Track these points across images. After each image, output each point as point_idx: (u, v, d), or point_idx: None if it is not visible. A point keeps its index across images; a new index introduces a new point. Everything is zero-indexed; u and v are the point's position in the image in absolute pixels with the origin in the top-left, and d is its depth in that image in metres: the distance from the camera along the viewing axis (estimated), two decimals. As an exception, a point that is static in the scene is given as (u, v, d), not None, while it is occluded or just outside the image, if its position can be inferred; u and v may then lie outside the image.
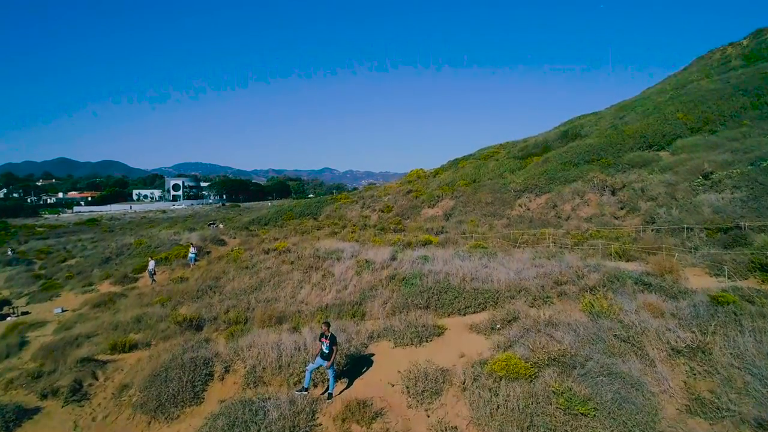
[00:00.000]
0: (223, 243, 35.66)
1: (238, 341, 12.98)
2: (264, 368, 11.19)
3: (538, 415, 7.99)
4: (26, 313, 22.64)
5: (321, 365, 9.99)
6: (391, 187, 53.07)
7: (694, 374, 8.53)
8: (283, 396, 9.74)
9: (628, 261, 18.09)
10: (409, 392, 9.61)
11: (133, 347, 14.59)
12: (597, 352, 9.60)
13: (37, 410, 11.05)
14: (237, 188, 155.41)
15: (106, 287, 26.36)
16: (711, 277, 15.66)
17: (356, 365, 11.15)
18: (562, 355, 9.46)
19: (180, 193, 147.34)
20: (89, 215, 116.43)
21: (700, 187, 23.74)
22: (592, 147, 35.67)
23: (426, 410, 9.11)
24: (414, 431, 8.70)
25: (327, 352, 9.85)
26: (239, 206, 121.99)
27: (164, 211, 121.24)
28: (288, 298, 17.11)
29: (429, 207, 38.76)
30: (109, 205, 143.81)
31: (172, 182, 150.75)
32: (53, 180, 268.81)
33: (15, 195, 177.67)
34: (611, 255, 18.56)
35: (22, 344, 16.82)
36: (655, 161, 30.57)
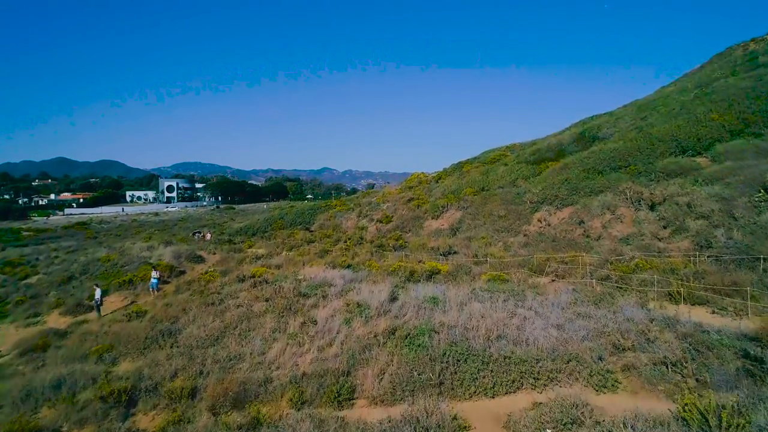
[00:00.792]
0: (200, 260, 31.56)
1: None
2: None
3: None
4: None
5: None
6: (390, 193, 48.96)
7: None
8: None
9: (694, 305, 14.01)
10: None
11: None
12: None
13: None
14: (232, 190, 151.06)
15: (54, 318, 22.25)
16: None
17: None
18: None
19: (174, 194, 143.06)
20: (79, 218, 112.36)
21: (763, 203, 19.66)
22: (618, 152, 31.56)
23: None
24: None
25: None
26: (234, 209, 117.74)
27: (157, 214, 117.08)
28: (255, 356, 13.02)
29: (433, 218, 34.65)
30: (100, 207, 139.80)
31: (167, 183, 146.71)
32: (49, 180, 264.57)
33: (6, 196, 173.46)
34: (672, 295, 14.48)
35: None
36: (695, 169, 26.47)
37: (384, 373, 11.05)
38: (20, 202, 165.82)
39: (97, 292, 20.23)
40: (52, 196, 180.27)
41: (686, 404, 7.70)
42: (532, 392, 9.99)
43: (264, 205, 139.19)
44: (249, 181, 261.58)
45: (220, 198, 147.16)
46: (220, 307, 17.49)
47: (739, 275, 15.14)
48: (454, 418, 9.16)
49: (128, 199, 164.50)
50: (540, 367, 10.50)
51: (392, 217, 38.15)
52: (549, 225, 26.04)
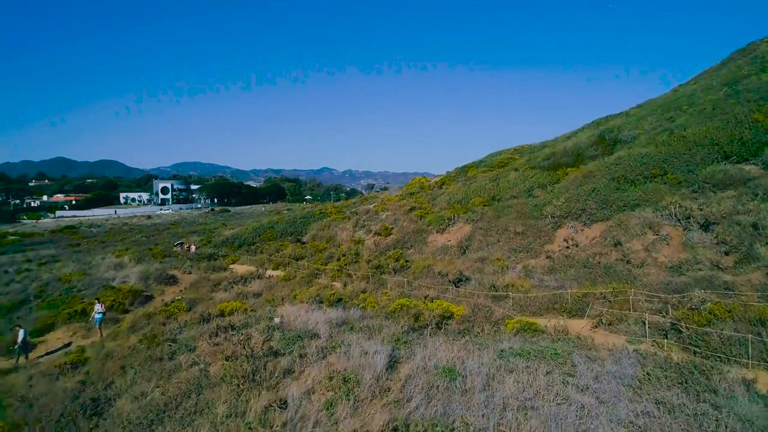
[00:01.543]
0: (172, 281, 27.59)
1: None
2: None
3: None
4: None
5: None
6: (390, 201, 44.96)
7: None
8: None
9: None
10: None
11: None
12: None
13: None
14: (228, 191, 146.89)
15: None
16: None
17: None
18: None
19: (169, 196, 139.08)
20: (69, 221, 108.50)
21: None
22: (650, 158, 27.57)
23: None
24: None
25: None
26: (229, 211, 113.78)
27: (149, 217, 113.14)
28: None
29: (438, 232, 30.65)
30: (92, 210, 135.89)
31: (161, 185, 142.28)
32: (46, 180, 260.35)
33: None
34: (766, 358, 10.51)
35: None
36: (748, 179, 22.50)
37: None
38: (12, 203, 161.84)
39: (20, 335, 16.27)
40: (45, 198, 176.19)
41: None
42: None
43: (262, 207, 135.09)
44: (246, 182, 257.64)
45: (215, 200, 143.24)
46: (170, 363, 13.52)
47: None
48: None
49: (122, 201, 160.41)
50: None
51: (392, 229, 34.15)
52: (577, 245, 22.06)
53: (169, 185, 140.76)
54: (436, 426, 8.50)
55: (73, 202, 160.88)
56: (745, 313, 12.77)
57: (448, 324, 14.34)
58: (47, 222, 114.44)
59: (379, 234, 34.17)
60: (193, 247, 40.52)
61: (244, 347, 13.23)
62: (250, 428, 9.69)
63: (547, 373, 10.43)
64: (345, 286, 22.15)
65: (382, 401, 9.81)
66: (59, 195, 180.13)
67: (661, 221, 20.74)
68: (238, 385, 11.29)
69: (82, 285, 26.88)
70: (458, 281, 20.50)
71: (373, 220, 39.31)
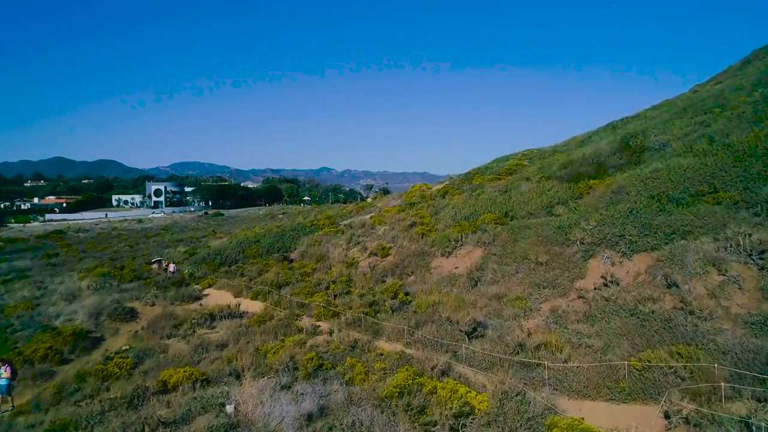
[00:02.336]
0: (130, 317, 23.38)
1: None
2: None
3: None
4: None
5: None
6: (388, 213, 40.77)
7: None
8: None
9: None
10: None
11: None
12: None
13: None
14: (223, 194, 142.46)
15: None
16: None
17: None
18: None
19: (162, 198, 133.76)
20: (58, 225, 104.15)
21: None
22: (695, 171, 23.37)
23: None
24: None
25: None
26: (223, 215, 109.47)
27: (140, 221, 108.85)
28: None
29: (443, 255, 26.45)
30: (82, 213, 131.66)
31: (154, 187, 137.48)
32: (42, 181, 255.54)
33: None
34: None
35: None
36: (826, 201, 18.27)
37: None
38: (2, 205, 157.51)
39: None
40: (36, 200, 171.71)
41: None
42: None
43: (258, 210, 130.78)
44: (242, 184, 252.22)
45: (210, 202, 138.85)
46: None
47: None
48: None
49: (114, 203, 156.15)
50: None
51: (390, 249, 29.94)
52: (617, 283, 17.85)
53: (162, 187, 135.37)
54: None
55: (65, 204, 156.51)
56: None
57: (467, 425, 10.11)
58: (35, 226, 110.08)
59: (376, 254, 29.98)
60: (172, 266, 36.26)
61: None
62: None
63: None
64: (331, 333, 17.93)
65: None
66: (51, 197, 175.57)
67: (727, 256, 16.53)
68: None
69: (22, 322, 22.66)
70: (473, 332, 16.29)
71: (370, 235, 35.15)
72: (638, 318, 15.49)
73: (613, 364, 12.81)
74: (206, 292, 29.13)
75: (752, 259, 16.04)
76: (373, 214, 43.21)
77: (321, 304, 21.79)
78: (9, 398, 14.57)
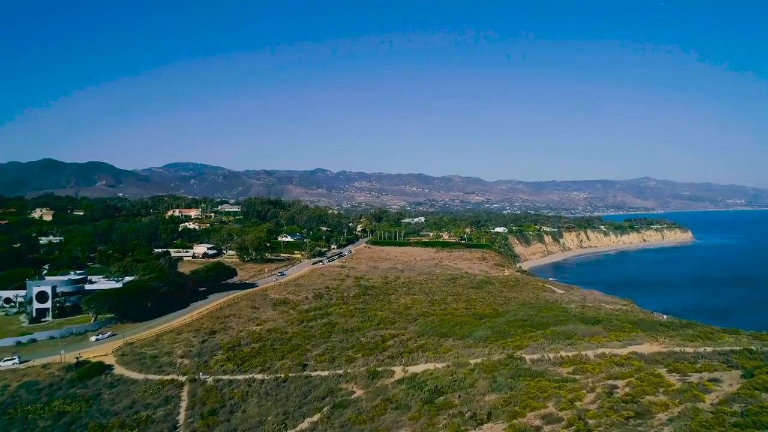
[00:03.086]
0: None
1: None
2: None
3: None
4: None
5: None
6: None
7: None
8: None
9: None
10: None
11: None
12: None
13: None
14: (141, 293, 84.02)
15: None
16: None
17: None
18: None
19: (49, 305, 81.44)
20: None
21: None
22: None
23: None
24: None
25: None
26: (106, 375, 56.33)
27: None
28: None
29: None
30: None
31: (36, 290, 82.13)
32: None
33: None
34: None
35: None
36: None
37: None
38: None
39: None
40: None
41: None
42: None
43: (188, 316, 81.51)
44: (190, 224, 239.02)
45: (117, 313, 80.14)
46: None
47: None
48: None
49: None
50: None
51: None
52: None
53: (48, 289, 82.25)
54: None
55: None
56: None
57: None
58: None
59: None
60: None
61: None
62: None
63: None
64: None
65: None
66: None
67: None
68: None
69: None
70: None
71: None
72: None
73: None
74: None
75: None
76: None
77: None
78: None
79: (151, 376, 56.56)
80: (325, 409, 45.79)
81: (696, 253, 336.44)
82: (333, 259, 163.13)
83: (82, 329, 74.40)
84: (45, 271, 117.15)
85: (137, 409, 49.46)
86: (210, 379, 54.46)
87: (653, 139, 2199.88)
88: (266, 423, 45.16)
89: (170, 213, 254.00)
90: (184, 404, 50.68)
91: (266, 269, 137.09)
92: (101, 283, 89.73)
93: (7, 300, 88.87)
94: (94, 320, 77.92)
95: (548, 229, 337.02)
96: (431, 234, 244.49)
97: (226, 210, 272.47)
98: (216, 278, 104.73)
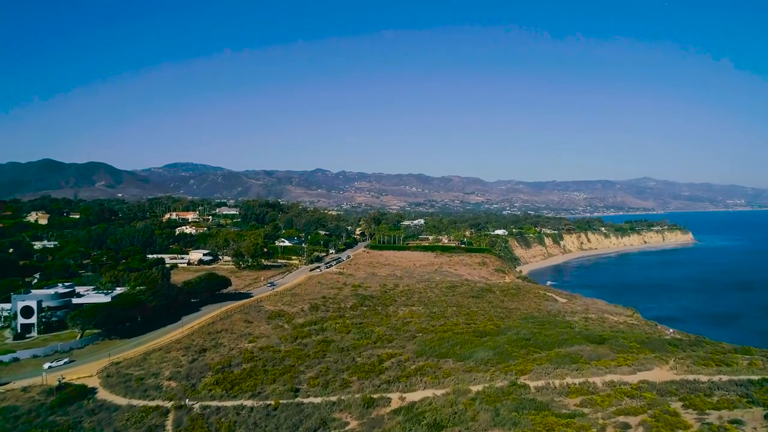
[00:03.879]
0: None
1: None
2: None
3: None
4: None
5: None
6: None
7: None
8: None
9: None
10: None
11: None
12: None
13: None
14: (129, 307, 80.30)
15: None
16: None
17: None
18: None
19: (34, 320, 78.35)
20: None
21: None
22: None
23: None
24: None
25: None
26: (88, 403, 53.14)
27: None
28: None
29: None
30: None
31: (21, 305, 78.60)
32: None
33: None
34: None
35: None
36: None
37: None
38: None
39: None
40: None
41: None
42: None
43: (179, 332, 78.61)
44: (185, 229, 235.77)
45: (105, 329, 77.00)
46: None
47: None
48: None
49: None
50: None
51: None
52: None
53: (34, 303, 78.90)
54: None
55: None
56: None
57: None
58: None
59: None
60: None
61: None
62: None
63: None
64: None
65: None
66: None
67: None
68: None
69: None
70: None
71: None
72: None
73: None
74: None
75: None
76: None
77: None
78: None
79: (135, 402, 53.74)
80: (316, 442, 43.05)
81: (697, 255, 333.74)
82: (331, 265, 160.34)
83: (68, 347, 71.34)
84: (36, 280, 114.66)
85: (118, 440, 46.66)
86: (197, 406, 51.60)
87: (653, 139, 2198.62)
88: (254, 458, 42.37)
89: (167, 216, 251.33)
90: (168, 435, 47.91)
91: (262, 277, 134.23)
92: (89, 296, 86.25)
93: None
94: (81, 336, 74.83)
95: (549, 231, 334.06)
96: (431, 238, 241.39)
97: (224, 213, 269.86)
98: (209, 289, 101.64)
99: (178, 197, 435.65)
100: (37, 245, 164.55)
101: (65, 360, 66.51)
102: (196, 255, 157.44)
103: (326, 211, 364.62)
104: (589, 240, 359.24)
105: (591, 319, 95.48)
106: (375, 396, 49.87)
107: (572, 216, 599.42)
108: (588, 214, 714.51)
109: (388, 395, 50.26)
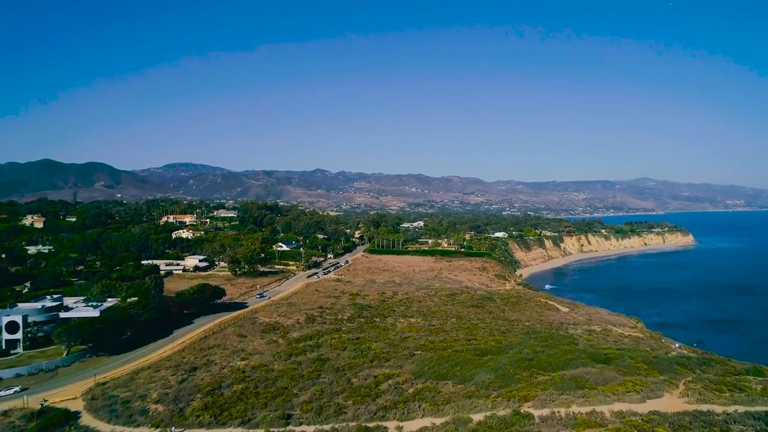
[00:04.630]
0: None
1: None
2: None
3: None
4: None
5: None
6: None
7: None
8: None
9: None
10: None
11: None
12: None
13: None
14: (116, 326, 76.90)
15: None
16: None
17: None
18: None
19: (20, 336, 74.51)
20: None
21: None
22: None
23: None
24: None
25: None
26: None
27: None
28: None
29: None
30: None
31: (6, 320, 74.97)
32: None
33: None
34: None
35: None
36: None
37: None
38: None
39: None
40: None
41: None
42: None
43: (171, 350, 72.18)
44: (183, 233, 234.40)
45: (92, 345, 73.71)
46: None
47: None
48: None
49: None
50: None
51: None
52: None
53: (19, 318, 75.06)
54: None
55: None
56: None
57: None
58: None
59: None
60: None
61: None
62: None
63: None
64: None
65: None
66: None
67: None
68: None
69: None
70: None
71: None
72: None
73: None
74: None
75: None
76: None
77: None
78: None
79: (119, 428, 51.19)
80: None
81: (698, 257, 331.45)
82: (329, 271, 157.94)
83: (53, 365, 68.56)
84: (26, 289, 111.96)
85: (100, 473, 44.13)
86: (183, 435, 49.19)
87: (653, 139, 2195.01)
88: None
89: (164, 219, 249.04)
90: (153, 467, 45.40)
91: (258, 285, 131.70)
92: (78, 310, 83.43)
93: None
94: (67, 353, 72.10)
95: (549, 234, 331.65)
96: (430, 241, 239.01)
97: (222, 215, 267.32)
98: (202, 301, 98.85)
99: (176, 199, 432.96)
100: (32, 250, 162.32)
101: (15, 389, 60.34)
102: (191, 261, 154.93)
103: (325, 213, 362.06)
104: (589, 242, 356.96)
105: (594, 332, 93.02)
106: (371, 425, 47.43)
107: (572, 216, 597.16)
108: (588, 215, 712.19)
109: (385, 424, 47.80)
